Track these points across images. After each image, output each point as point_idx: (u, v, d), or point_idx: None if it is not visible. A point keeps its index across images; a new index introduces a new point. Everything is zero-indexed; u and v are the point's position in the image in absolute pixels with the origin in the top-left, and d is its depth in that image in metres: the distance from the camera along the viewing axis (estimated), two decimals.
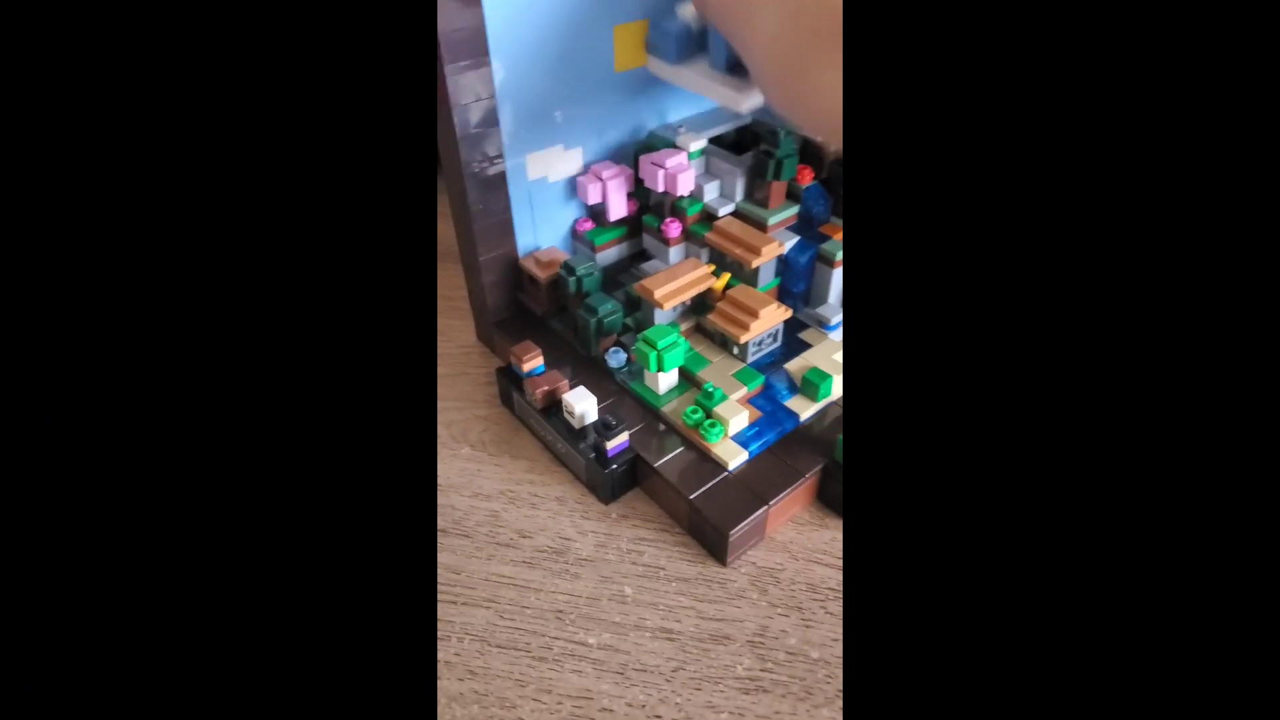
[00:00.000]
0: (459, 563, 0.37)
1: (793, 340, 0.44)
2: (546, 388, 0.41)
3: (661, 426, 0.40)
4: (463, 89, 0.39)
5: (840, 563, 0.36)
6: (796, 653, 0.33)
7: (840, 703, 0.31)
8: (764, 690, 0.31)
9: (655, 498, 0.39)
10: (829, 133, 0.28)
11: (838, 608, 0.34)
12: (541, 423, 0.41)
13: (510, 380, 0.43)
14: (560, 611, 0.34)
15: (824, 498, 0.39)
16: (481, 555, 0.37)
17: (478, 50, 0.38)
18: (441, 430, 0.44)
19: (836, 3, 0.25)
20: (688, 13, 0.41)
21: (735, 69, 0.39)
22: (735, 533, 0.35)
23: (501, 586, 0.36)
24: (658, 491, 0.39)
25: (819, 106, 0.26)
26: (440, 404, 0.46)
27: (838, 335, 0.44)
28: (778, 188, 0.44)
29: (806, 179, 0.44)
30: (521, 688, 0.32)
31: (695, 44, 0.41)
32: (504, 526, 0.38)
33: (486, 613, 0.34)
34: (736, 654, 0.33)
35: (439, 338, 0.51)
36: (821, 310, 0.44)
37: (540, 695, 0.31)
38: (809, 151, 0.45)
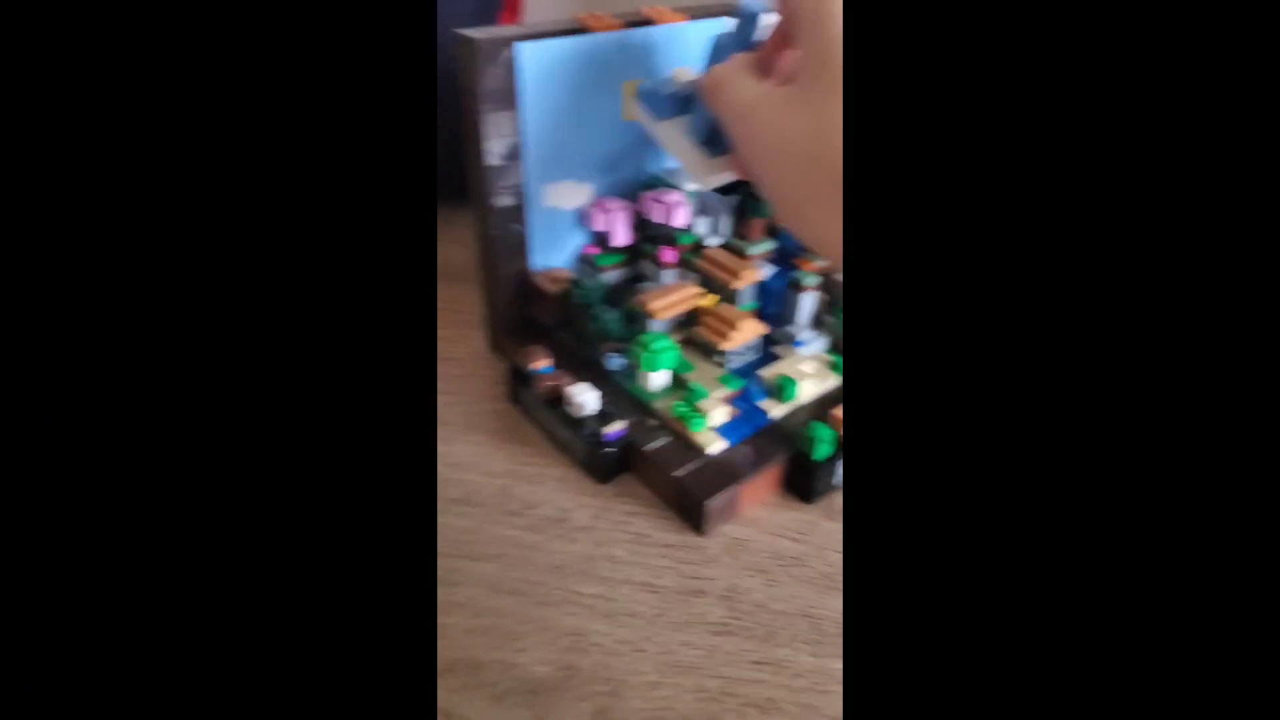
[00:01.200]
0: (472, 525, 0.42)
1: (767, 353, 0.50)
2: (553, 383, 0.47)
3: (652, 421, 0.46)
4: (492, 127, 0.46)
5: (800, 538, 0.42)
6: (761, 605, 0.38)
7: (796, 643, 0.36)
8: (732, 633, 0.37)
9: (644, 479, 0.45)
10: (827, 256, 0.32)
11: (799, 572, 0.40)
12: (547, 415, 0.47)
13: (520, 379, 0.49)
14: (559, 567, 0.40)
15: (789, 485, 0.45)
16: (490, 521, 0.42)
17: (508, 96, 0.46)
18: (457, 421, 0.50)
19: (838, 167, 0.28)
20: (682, 78, 0.47)
21: (710, 143, 0.42)
22: (711, 503, 0.41)
23: (508, 546, 0.41)
24: (647, 473, 0.44)
25: (820, 239, 0.30)
26: (455, 399, 0.52)
27: (805, 350, 0.51)
28: (758, 224, 0.51)
29: None
30: (525, 625, 0.37)
31: (680, 107, 0.45)
32: (511, 498, 0.44)
33: (495, 566, 0.40)
34: (709, 605, 0.38)
35: (456, 346, 0.58)
36: (791, 329, 0.51)
37: (541, 632, 0.37)
38: None
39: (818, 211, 0.29)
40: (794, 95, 0.30)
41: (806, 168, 0.29)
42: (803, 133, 0.29)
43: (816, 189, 0.29)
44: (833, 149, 0.28)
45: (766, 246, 0.52)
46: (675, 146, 0.45)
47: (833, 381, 0.49)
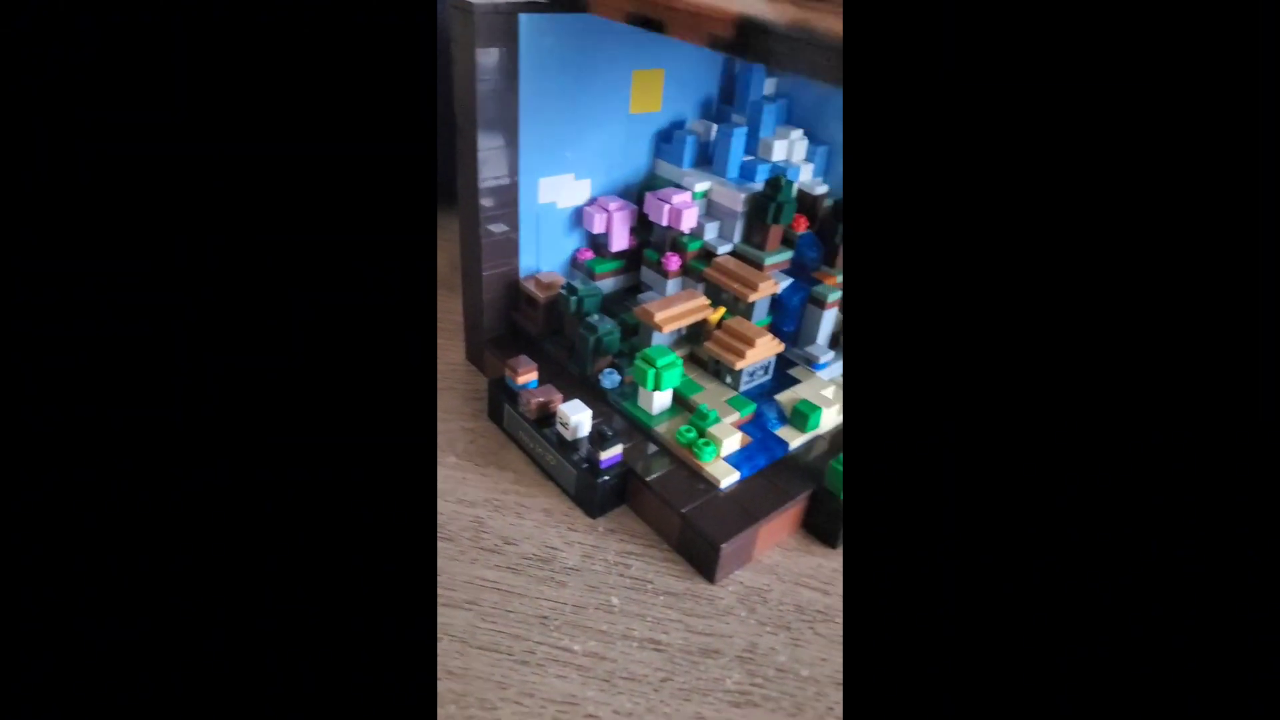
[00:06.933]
0: (440, 565, 0.35)
1: (782, 376, 0.45)
2: (541, 399, 0.41)
3: (652, 447, 0.40)
4: (487, 107, 0.41)
5: (827, 589, 0.36)
6: (786, 670, 0.32)
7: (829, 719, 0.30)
8: (754, 704, 0.31)
9: (643, 514, 0.39)
10: None
11: (826, 629, 0.34)
12: (533, 435, 0.41)
13: (503, 393, 0.43)
14: (544, 617, 0.33)
15: (809, 526, 0.39)
16: (464, 559, 0.36)
17: (508, 74, 0.41)
18: None
19: None
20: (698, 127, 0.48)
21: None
22: (727, 547, 0.35)
23: (484, 590, 0.34)
24: (647, 507, 0.38)
25: None
26: None
27: (825, 374, 0.45)
28: (775, 231, 0.46)
29: (801, 227, 0.47)
30: (503, 690, 0.30)
31: (704, 155, 0.50)
32: (488, 533, 0.37)
33: (468, 614, 0.33)
34: (725, 668, 0.32)
35: None
36: (811, 349, 0.46)
37: (522, 698, 0.30)
38: (805, 202, 0.48)
39: None
40: None
41: None
42: None
43: None
44: None
45: (783, 256, 0.47)
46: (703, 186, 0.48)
47: None
